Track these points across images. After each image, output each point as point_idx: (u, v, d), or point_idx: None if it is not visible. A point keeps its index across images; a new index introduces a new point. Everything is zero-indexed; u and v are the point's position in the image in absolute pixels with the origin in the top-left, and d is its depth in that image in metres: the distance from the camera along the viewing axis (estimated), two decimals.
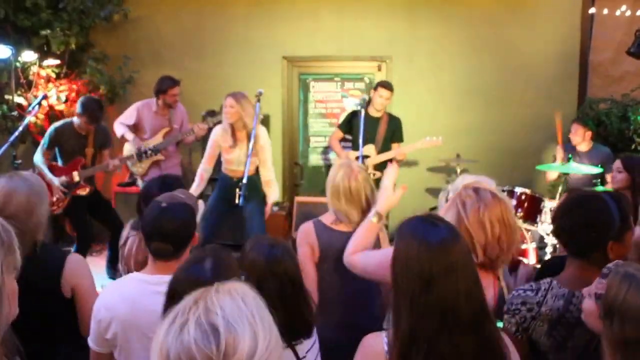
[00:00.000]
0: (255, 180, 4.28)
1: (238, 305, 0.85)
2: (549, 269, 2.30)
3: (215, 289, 0.88)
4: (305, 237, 2.52)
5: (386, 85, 5.02)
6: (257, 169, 4.34)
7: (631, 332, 1.29)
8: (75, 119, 4.57)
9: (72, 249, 4.65)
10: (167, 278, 1.81)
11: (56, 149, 4.66)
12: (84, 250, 4.71)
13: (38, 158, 4.60)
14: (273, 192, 4.35)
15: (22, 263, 1.76)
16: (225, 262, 1.56)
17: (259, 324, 0.85)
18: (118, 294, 1.86)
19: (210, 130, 4.55)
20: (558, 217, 1.87)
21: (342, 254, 2.21)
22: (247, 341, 0.81)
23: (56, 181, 4.55)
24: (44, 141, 4.62)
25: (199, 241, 4.76)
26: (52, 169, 4.63)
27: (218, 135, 4.29)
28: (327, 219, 2.55)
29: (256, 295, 0.91)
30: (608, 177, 3.35)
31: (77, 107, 4.52)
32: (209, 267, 1.50)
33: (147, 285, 1.83)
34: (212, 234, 4.51)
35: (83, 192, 4.67)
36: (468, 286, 1.35)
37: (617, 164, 3.64)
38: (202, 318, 0.82)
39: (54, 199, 4.56)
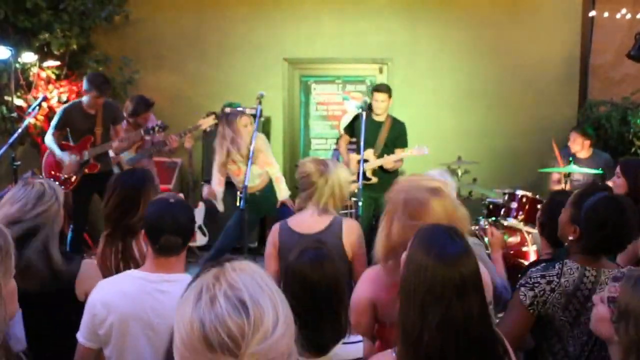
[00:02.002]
0: (268, 195, 4.42)
1: (257, 282, 0.91)
2: None
3: (231, 267, 0.93)
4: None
5: (379, 88, 4.93)
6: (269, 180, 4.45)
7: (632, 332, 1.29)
8: (84, 98, 4.54)
9: (67, 243, 4.59)
10: (169, 277, 1.81)
11: (67, 130, 4.63)
12: (78, 236, 4.65)
13: (48, 138, 4.60)
14: (282, 189, 4.42)
15: (39, 268, 1.78)
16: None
17: (277, 298, 0.92)
18: (117, 290, 1.86)
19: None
20: (593, 215, 1.86)
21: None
22: (270, 313, 0.88)
23: (66, 157, 4.53)
24: (53, 122, 4.62)
25: (215, 249, 4.64)
26: (63, 148, 4.61)
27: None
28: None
29: (265, 273, 0.97)
30: (610, 183, 3.32)
31: (84, 85, 4.51)
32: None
33: (148, 284, 1.83)
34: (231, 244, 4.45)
35: (93, 170, 4.64)
36: (479, 305, 1.34)
37: (617, 168, 3.59)
38: (230, 292, 0.88)
39: (64, 177, 4.57)
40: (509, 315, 1.93)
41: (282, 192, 4.41)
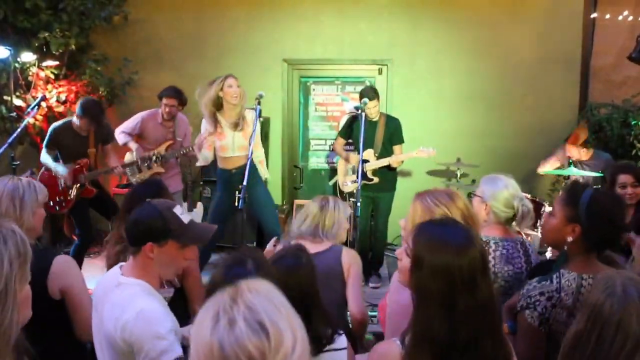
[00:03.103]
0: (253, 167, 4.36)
1: (274, 304, 0.94)
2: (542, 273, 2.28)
3: (247, 288, 0.95)
4: None
5: (369, 95, 4.75)
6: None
7: (581, 323, 1.34)
8: (75, 119, 4.49)
9: (71, 249, 4.63)
10: (123, 279, 1.80)
11: (57, 150, 4.59)
12: (84, 248, 4.71)
13: (44, 157, 4.56)
14: (264, 171, 4.50)
15: None
16: (265, 263, 1.62)
17: (293, 319, 0.94)
18: (102, 279, 1.92)
19: None
20: (597, 208, 1.81)
21: None
22: (289, 335, 0.90)
23: (60, 168, 4.46)
24: (45, 142, 4.60)
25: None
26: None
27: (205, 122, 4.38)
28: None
29: (280, 293, 0.99)
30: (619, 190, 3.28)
31: (77, 110, 4.44)
32: (251, 268, 1.56)
33: (113, 278, 1.84)
34: (214, 235, 4.44)
35: (89, 195, 4.65)
36: (490, 276, 1.36)
37: (630, 178, 3.44)
38: (249, 316, 0.89)
39: (59, 198, 4.55)
40: (522, 343, 1.83)
41: (263, 174, 4.47)
